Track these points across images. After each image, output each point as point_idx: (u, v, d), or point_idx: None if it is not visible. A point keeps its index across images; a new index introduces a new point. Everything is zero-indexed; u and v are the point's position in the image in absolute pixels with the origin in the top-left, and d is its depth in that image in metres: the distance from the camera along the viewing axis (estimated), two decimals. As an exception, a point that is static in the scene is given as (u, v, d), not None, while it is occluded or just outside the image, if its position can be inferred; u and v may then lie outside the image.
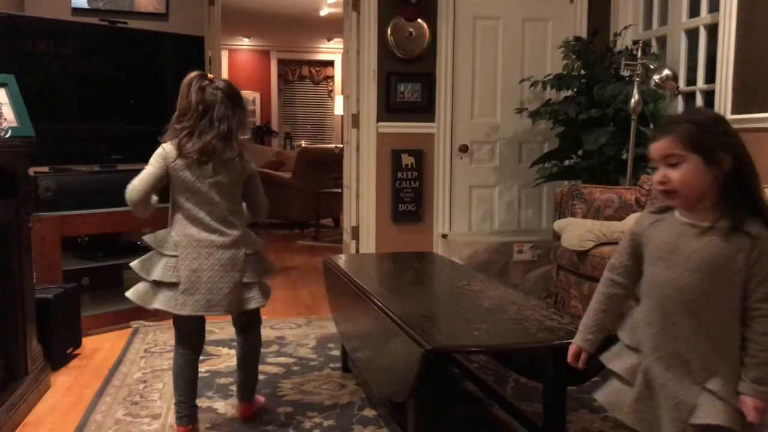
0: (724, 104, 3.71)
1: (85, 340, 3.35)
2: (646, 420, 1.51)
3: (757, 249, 1.39)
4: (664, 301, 1.47)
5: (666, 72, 3.94)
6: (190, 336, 2.35)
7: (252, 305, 2.31)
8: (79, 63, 3.87)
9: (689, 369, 1.45)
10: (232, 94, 2.28)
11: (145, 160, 2.23)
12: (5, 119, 2.60)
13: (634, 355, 1.56)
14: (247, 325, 2.47)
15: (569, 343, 1.69)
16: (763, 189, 1.46)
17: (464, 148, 4.85)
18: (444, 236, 4.80)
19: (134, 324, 3.66)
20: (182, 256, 2.22)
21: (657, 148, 1.47)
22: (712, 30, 3.93)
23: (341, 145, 6.15)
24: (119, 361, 3.13)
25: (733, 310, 1.43)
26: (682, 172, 1.42)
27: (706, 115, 1.59)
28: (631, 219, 3.53)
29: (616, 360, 1.59)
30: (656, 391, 1.49)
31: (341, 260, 3.17)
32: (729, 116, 3.66)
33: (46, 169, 3.60)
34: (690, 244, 1.44)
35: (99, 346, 3.38)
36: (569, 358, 1.67)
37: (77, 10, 4.32)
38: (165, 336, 3.43)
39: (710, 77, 3.96)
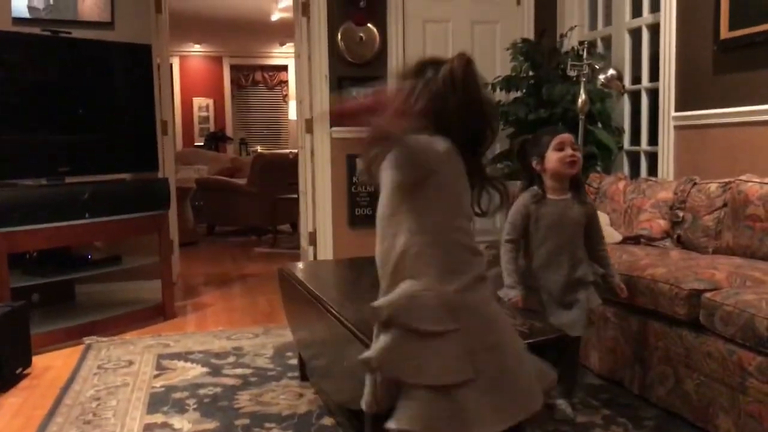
0: (667, 102, 3.80)
1: (35, 359, 3.26)
2: None
3: None
4: None
5: (611, 72, 4.02)
6: None
7: None
8: (22, 74, 3.76)
9: None
10: None
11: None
12: (-57, 135, 2.53)
13: None
14: None
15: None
16: None
17: (418, 151, 4.86)
18: (401, 239, 4.79)
19: (87, 340, 3.58)
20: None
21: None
22: (655, 29, 4.03)
23: (296, 151, 6.12)
24: (71, 379, 3.06)
25: None
26: None
27: None
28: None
29: None
30: None
31: (296, 268, 3.15)
32: (672, 113, 3.76)
33: (-11, 184, 3.50)
34: None
35: (50, 365, 3.30)
36: None
37: (18, 20, 4.19)
38: (119, 351, 3.36)
39: (654, 75, 4.05)
